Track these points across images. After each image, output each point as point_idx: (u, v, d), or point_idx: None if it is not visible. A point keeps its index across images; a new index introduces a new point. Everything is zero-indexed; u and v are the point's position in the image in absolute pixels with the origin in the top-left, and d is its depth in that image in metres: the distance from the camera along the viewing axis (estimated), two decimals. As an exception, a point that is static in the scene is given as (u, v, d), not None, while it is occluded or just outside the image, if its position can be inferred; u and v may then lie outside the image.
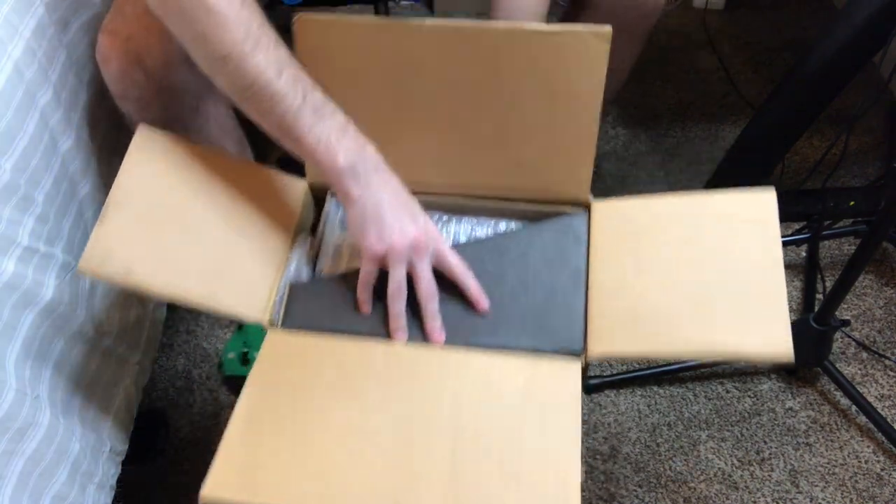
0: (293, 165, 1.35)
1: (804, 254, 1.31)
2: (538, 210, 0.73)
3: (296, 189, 0.76)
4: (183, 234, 0.66)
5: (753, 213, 0.67)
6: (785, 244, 1.28)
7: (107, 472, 0.84)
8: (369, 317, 0.67)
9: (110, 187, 0.64)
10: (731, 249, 0.65)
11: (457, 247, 0.69)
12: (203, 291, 0.65)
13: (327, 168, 0.63)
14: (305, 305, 0.69)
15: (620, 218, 0.70)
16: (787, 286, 1.27)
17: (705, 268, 0.65)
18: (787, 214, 1.36)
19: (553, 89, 0.67)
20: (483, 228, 0.75)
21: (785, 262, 1.30)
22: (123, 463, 0.90)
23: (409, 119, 0.71)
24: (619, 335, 0.63)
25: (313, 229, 0.76)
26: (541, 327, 0.65)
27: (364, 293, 0.66)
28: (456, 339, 0.65)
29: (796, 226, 1.34)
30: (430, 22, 0.65)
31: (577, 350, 0.64)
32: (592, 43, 0.64)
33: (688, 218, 0.68)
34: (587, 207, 0.72)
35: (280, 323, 0.68)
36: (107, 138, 0.87)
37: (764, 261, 0.64)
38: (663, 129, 1.55)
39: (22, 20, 0.74)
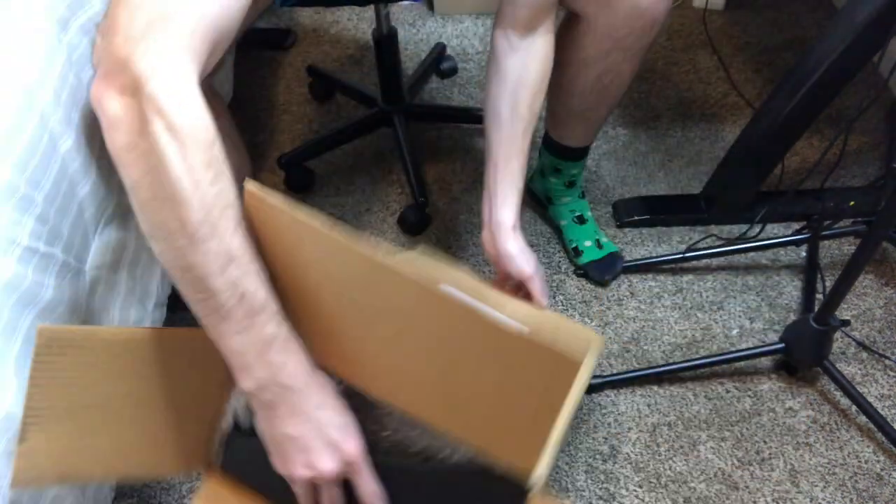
0: (293, 168, 1.35)
1: (804, 254, 1.31)
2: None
3: None
4: (110, 424, 0.64)
5: None
6: (785, 244, 1.29)
7: (107, 472, 0.84)
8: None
9: (110, 187, 0.64)
10: None
11: (388, 471, 0.65)
12: (144, 467, 0.66)
13: (237, 383, 0.61)
14: (243, 456, 0.67)
15: None
16: (788, 286, 1.28)
17: None
18: (787, 214, 1.36)
19: (513, 378, 0.57)
20: (424, 439, 0.67)
21: (785, 262, 1.31)
22: (123, 463, 0.90)
23: (353, 327, 0.63)
24: None
25: None
26: None
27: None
28: None
29: (796, 226, 1.34)
30: (388, 260, 0.55)
31: None
32: (564, 364, 0.53)
33: None
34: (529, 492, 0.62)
35: (220, 462, 0.68)
36: (107, 138, 0.87)
37: None
38: (663, 129, 1.56)
39: (22, 20, 0.74)
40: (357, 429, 0.65)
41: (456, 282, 0.99)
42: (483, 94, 0.98)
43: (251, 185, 0.57)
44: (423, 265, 0.58)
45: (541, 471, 0.59)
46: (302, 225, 0.56)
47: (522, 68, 0.94)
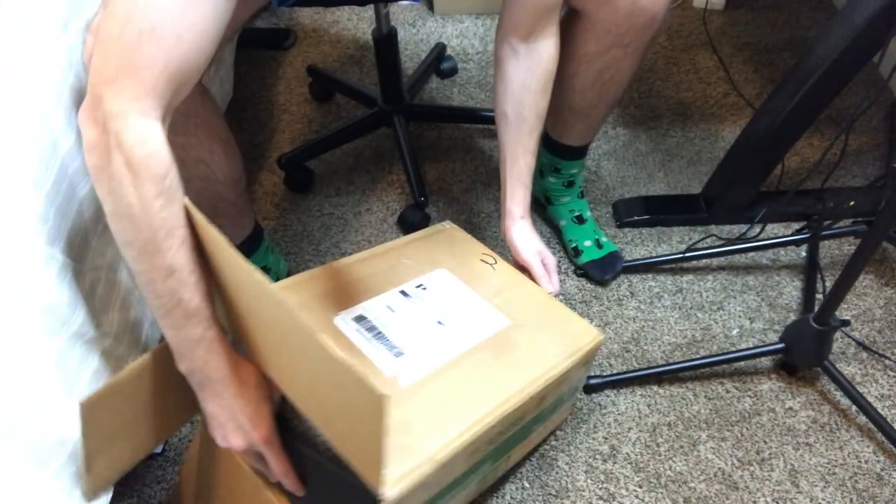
0: (293, 168, 1.34)
1: (804, 254, 1.31)
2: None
3: None
4: (144, 419, 0.80)
5: None
6: (785, 244, 1.29)
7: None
8: None
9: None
10: None
11: (302, 454, 0.76)
12: (167, 429, 0.84)
13: (176, 364, 0.72)
14: None
15: None
16: (788, 286, 1.28)
17: None
18: (787, 214, 1.36)
19: (346, 402, 0.63)
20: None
21: (785, 262, 1.31)
22: (123, 463, 0.90)
23: (255, 329, 0.72)
24: None
25: None
26: None
27: None
28: None
29: (796, 226, 1.34)
30: (273, 301, 0.62)
31: None
32: (370, 400, 0.57)
33: None
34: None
35: None
36: (107, 138, 0.87)
37: None
38: (663, 129, 1.56)
39: (22, 21, 0.74)
40: (269, 417, 0.75)
41: (464, 262, 1.02)
42: (490, 94, 1.03)
43: (186, 201, 0.65)
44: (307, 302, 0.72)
45: (391, 492, 0.66)
46: (216, 244, 0.65)
47: (526, 73, 0.96)
